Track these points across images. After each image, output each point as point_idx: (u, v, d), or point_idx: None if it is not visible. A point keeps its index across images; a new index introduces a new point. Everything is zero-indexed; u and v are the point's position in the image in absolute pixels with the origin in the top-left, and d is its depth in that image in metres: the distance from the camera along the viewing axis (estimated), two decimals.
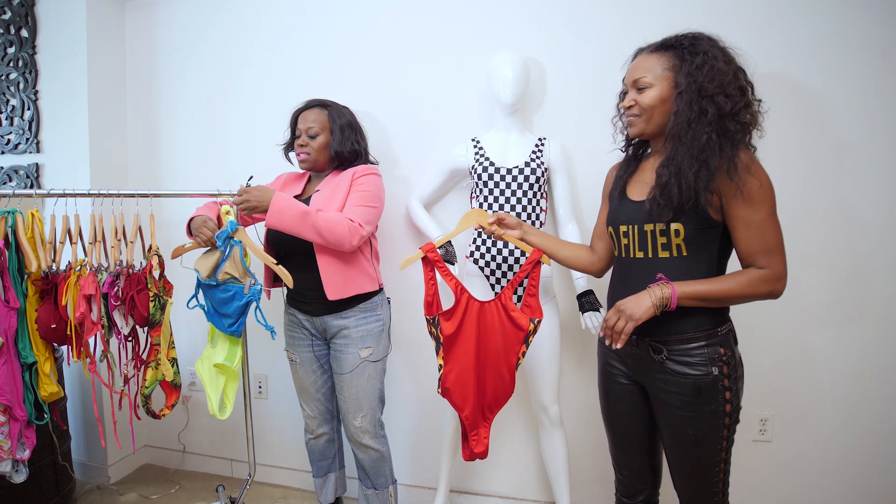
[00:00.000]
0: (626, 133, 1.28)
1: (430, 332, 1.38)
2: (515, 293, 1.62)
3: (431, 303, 1.36)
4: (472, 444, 1.42)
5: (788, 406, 1.70)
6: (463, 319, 1.38)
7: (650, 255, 1.13)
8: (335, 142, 1.60)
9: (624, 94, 1.24)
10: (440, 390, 1.38)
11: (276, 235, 1.55)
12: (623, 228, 1.19)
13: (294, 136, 1.67)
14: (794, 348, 1.68)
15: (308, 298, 1.58)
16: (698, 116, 1.04)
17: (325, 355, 1.66)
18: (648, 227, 1.12)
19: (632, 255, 1.17)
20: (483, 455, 1.43)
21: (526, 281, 1.38)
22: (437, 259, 1.38)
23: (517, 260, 1.60)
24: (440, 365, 1.38)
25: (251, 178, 1.61)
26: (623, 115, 1.24)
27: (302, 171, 1.72)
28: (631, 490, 1.31)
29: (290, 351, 1.69)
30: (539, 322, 1.36)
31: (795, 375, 1.69)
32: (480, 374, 1.40)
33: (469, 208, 1.76)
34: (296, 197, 1.60)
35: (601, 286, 1.69)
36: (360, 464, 1.66)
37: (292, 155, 1.72)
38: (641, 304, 1.07)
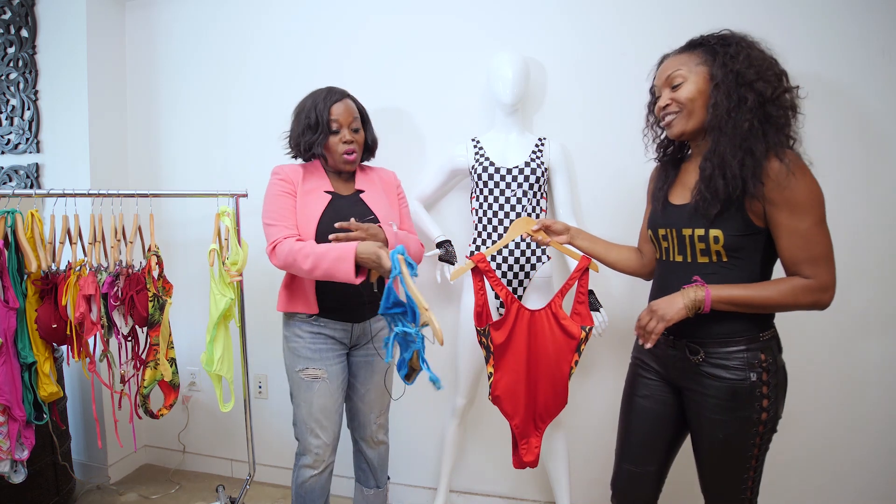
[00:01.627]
0: (662, 139, 1.23)
1: (481, 342, 1.35)
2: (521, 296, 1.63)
3: (481, 313, 1.33)
4: (523, 453, 1.40)
5: (788, 406, 1.69)
6: (513, 328, 1.36)
7: (689, 260, 1.11)
8: (370, 133, 1.54)
9: (653, 103, 1.20)
10: (490, 398, 1.37)
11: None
12: (662, 232, 1.17)
13: (330, 131, 1.43)
14: (790, 348, 1.67)
15: (354, 304, 1.46)
16: (738, 105, 1.01)
17: (347, 367, 1.57)
18: (686, 232, 1.10)
19: (672, 259, 1.15)
20: (534, 464, 1.41)
21: (575, 288, 1.36)
22: (488, 269, 1.36)
23: (517, 260, 1.60)
24: (490, 373, 1.35)
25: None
26: (656, 123, 1.20)
27: (301, 163, 1.54)
28: (626, 499, 1.29)
29: (317, 367, 1.46)
30: (591, 329, 1.33)
31: (796, 377, 1.68)
32: (532, 384, 1.38)
33: (469, 208, 1.76)
34: (328, 193, 1.46)
35: (602, 287, 1.70)
36: (370, 463, 1.62)
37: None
38: (673, 306, 1.05)
